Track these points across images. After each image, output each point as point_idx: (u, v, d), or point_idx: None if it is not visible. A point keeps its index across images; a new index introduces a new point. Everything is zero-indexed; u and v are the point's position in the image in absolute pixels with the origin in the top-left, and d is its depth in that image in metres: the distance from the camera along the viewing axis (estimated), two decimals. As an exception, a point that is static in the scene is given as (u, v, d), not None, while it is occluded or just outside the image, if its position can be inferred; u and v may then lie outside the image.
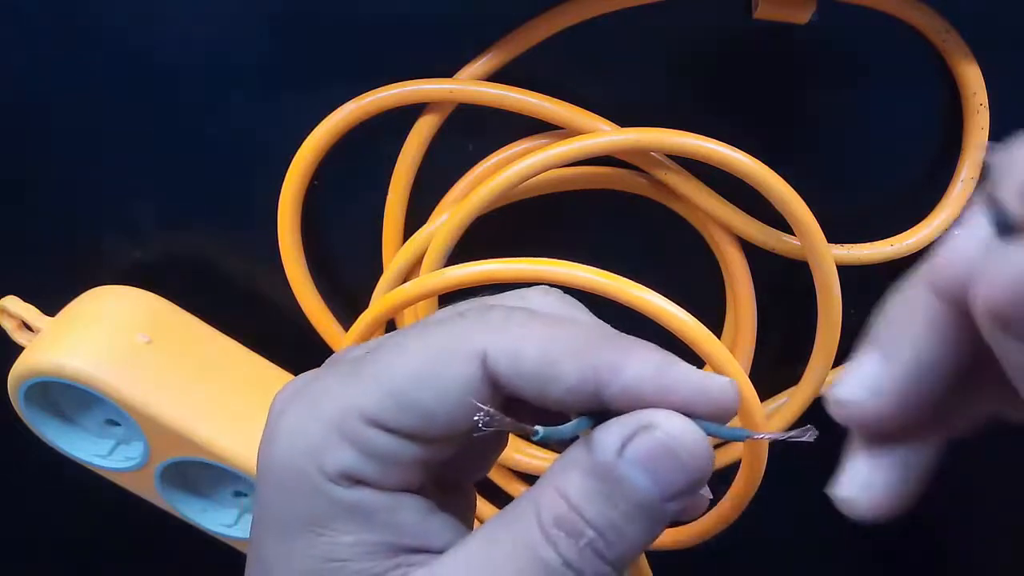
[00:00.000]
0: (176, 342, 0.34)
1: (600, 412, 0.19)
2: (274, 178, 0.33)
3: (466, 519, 0.23)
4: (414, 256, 0.33)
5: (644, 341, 0.20)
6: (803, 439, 0.19)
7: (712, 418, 0.19)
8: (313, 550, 0.19)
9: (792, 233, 0.32)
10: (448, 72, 0.32)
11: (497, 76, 0.32)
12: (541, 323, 0.20)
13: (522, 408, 0.20)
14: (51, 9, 0.32)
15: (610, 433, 0.18)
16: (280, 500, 0.19)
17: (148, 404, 0.31)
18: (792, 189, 0.31)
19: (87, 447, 0.35)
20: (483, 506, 0.40)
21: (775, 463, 0.32)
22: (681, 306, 0.29)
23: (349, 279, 0.36)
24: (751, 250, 0.34)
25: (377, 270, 0.35)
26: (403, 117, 0.32)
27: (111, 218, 0.36)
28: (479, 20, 0.31)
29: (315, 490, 0.19)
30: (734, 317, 0.35)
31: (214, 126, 0.34)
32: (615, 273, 0.30)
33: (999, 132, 0.32)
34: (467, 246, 0.32)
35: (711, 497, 0.21)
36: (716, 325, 0.35)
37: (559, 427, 0.19)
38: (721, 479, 0.34)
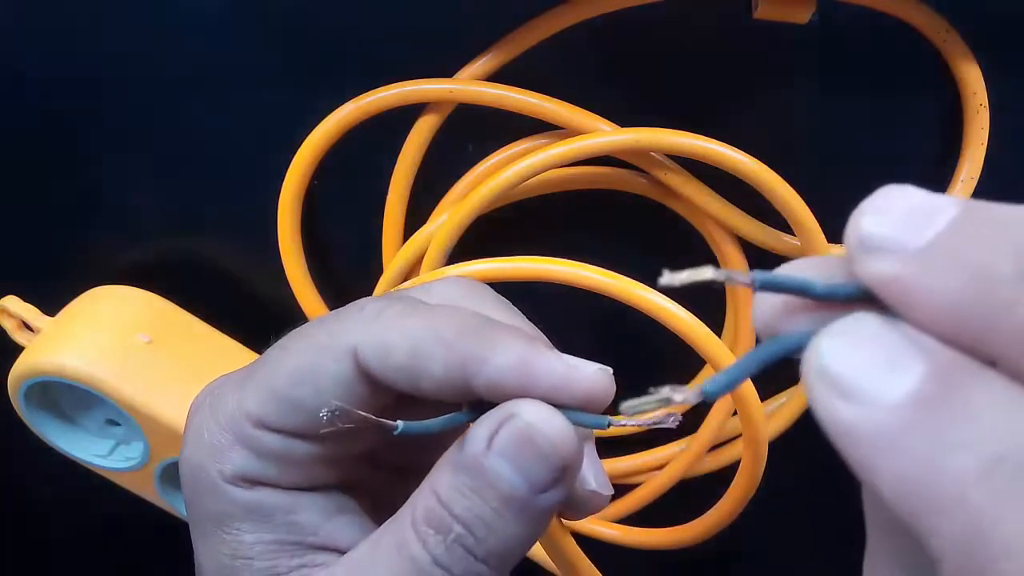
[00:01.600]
0: (176, 342, 0.34)
1: (482, 405, 0.19)
2: (274, 178, 0.33)
3: None
4: (414, 256, 0.33)
5: (518, 329, 0.19)
6: (665, 425, 0.18)
7: (584, 407, 0.18)
8: (223, 547, 0.19)
9: (792, 233, 0.32)
10: (448, 72, 0.32)
11: (497, 76, 0.32)
12: (415, 315, 0.19)
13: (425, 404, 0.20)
14: (50, 10, 0.32)
15: (481, 426, 0.18)
16: (193, 500, 0.20)
17: (148, 404, 0.31)
18: (792, 189, 0.31)
19: (87, 447, 0.35)
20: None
21: (775, 463, 0.32)
22: (681, 306, 0.29)
23: (349, 279, 0.36)
24: (751, 250, 0.34)
25: (377, 270, 0.35)
26: (403, 117, 0.32)
27: (111, 218, 0.36)
28: (479, 20, 0.31)
29: (216, 491, 0.19)
30: (734, 317, 0.35)
31: (214, 126, 0.34)
32: (615, 273, 0.30)
33: (999, 132, 0.32)
34: (467, 246, 0.32)
35: (610, 493, 0.20)
36: (716, 325, 0.35)
37: (424, 422, 0.18)
38: (720, 480, 0.34)
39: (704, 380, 0.15)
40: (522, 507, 0.18)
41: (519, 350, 0.18)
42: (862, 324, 0.13)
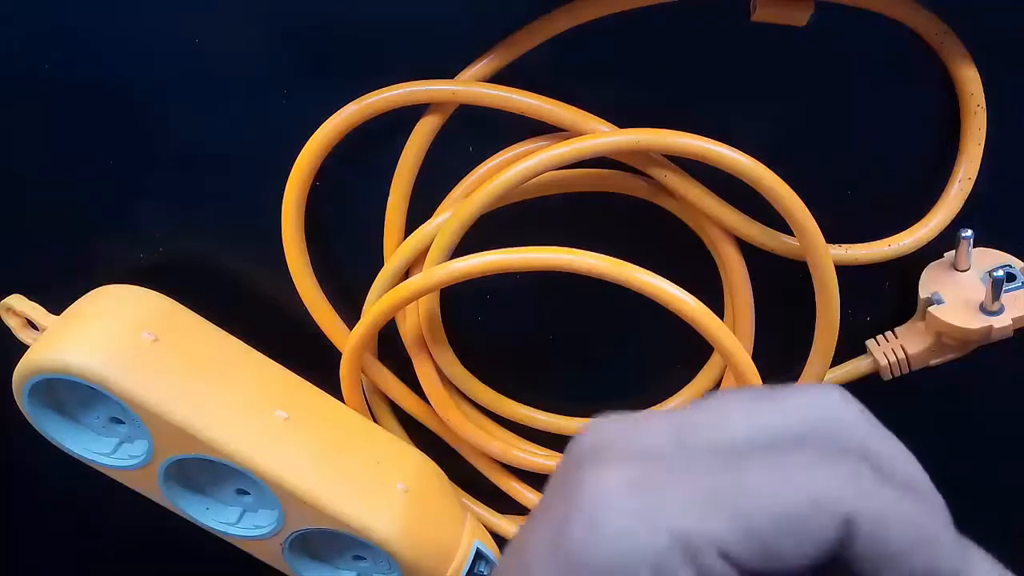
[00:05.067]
0: (181, 340, 0.34)
1: None
2: (278, 179, 0.33)
3: None
4: (413, 254, 0.34)
5: (980, 550, 0.18)
6: None
7: None
8: None
9: (791, 233, 0.33)
10: (450, 73, 0.32)
11: (498, 77, 0.32)
12: (908, 497, 0.18)
13: None
14: (52, 10, 0.32)
15: None
16: None
17: (153, 401, 0.31)
18: (791, 189, 0.31)
19: (91, 445, 0.35)
20: (479, 510, 0.40)
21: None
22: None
23: (352, 279, 0.37)
24: (750, 250, 0.34)
25: (379, 270, 0.35)
26: (405, 118, 0.33)
27: (117, 218, 0.36)
28: (481, 21, 0.31)
29: None
30: (732, 317, 0.35)
31: (218, 127, 0.34)
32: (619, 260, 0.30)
33: (996, 133, 0.32)
34: (467, 248, 0.32)
35: None
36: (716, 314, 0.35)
37: None
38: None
39: None
40: None
41: None
42: None
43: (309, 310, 0.36)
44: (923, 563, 0.17)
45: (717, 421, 0.19)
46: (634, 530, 0.18)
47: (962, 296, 0.34)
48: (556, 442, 0.39)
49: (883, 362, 0.35)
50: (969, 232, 0.33)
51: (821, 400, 0.20)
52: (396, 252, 0.34)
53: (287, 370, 0.36)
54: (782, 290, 0.35)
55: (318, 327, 0.37)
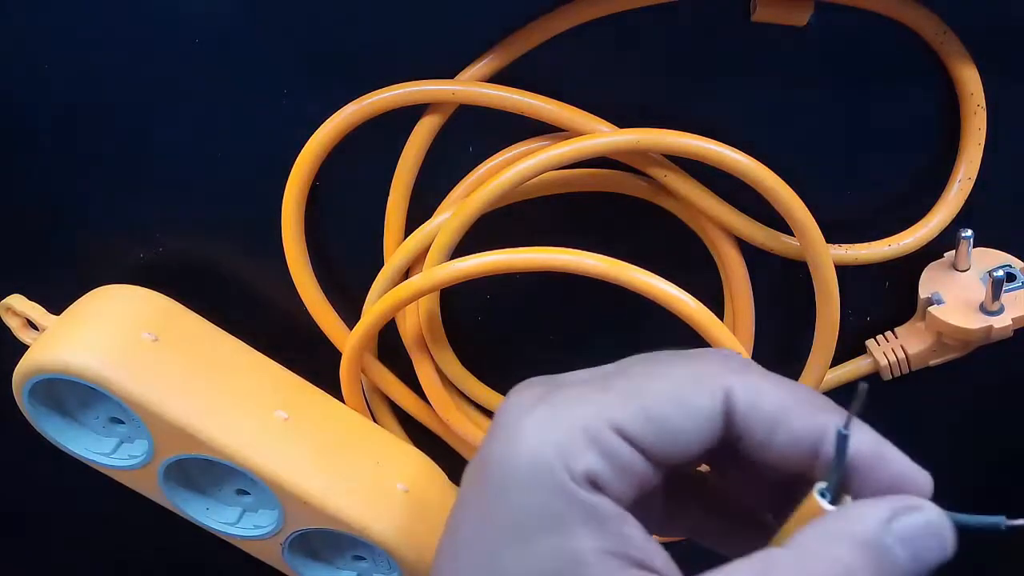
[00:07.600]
0: (181, 340, 0.34)
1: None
2: (277, 179, 0.33)
3: None
4: (413, 254, 0.34)
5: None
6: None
7: None
8: (555, 550, 0.19)
9: (791, 233, 0.33)
10: (450, 73, 0.32)
11: (498, 77, 0.32)
12: (777, 377, 0.22)
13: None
14: (55, 11, 0.32)
15: (876, 507, 0.19)
16: (520, 497, 0.20)
17: (153, 401, 0.32)
18: (791, 189, 0.31)
19: (91, 445, 0.35)
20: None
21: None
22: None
23: (352, 279, 0.37)
24: (750, 250, 0.34)
25: (379, 270, 0.35)
26: (405, 118, 0.33)
27: (117, 218, 0.36)
28: (481, 21, 0.31)
29: (559, 489, 0.19)
30: (732, 317, 0.35)
31: (218, 127, 0.34)
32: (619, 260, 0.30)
33: (996, 133, 0.32)
34: (467, 248, 0.32)
35: None
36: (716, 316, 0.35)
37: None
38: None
39: None
40: None
41: (875, 436, 0.20)
42: None
43: (309, 310, 0.36)
44: (802, 425, 0.20)
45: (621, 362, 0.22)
46: (543, 427, 0.20)
47: (962, 296, 0.34)
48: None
49: (883, 362, 0.36)
50: (969, 232, 0.33)
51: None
52: (396, 252, 0.34)
53: (287, 370, 0.36)
54: (782, 290, 0.35)
55: (318, 327, 0.37)
